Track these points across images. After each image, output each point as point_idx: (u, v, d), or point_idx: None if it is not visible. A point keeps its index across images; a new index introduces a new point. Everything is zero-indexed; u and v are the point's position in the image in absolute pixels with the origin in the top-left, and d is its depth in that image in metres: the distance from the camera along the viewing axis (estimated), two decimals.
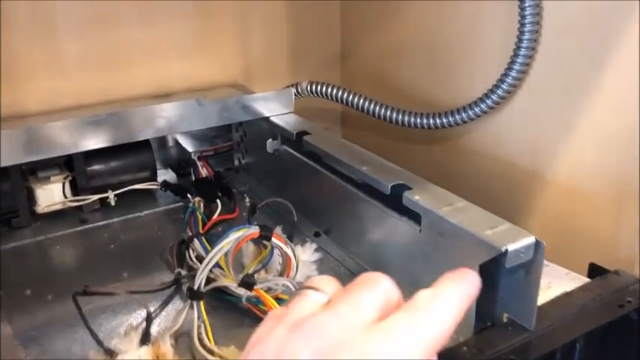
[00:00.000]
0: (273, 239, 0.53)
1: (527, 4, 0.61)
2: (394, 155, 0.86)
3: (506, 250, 0.45)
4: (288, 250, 0.53)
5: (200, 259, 0.61)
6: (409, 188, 0.55)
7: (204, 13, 0.84)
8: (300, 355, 0.26)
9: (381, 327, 0.26)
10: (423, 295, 0.28)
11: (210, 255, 0.52)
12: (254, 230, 0.52)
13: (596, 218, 0.63)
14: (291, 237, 0.63)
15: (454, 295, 0.28)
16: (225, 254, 0.53)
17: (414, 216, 0.54)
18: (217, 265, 0.54)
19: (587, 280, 0.56)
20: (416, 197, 0.53)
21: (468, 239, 0.48)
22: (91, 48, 0.78)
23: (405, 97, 0.83)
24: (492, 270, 0.48)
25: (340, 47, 0.96)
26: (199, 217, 0.69)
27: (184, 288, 0.58)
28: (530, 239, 0.47)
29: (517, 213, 0.71)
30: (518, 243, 0.46)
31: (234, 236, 0.51)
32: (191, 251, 0.62)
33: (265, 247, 0.56)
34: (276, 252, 0.56)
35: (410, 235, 0.55)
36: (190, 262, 0.61)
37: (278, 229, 0.66)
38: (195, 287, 0.53)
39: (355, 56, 0.94)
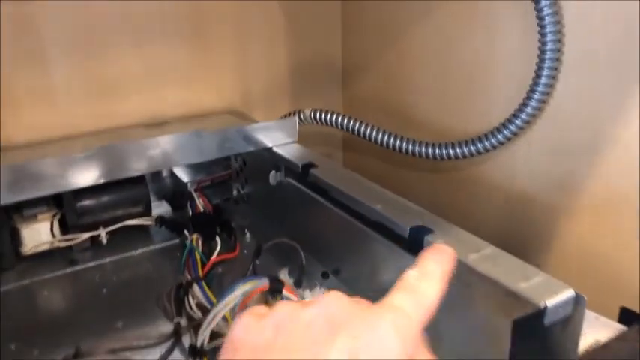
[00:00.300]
0: (284, 292, 0.48)
1: (547, 30, 0.58)
2: (397, 183, 0.82)
3: (545, 306, 0.41)
4: None
5: (201, 307, 0.56)
6: (430, 231, 0.51)
7: (200, 37, 0.79)
8: (315, 323, 0.28)
9: (383, 303, 0.30)
10: (411, 275, 0.32)
11: (215, 311, 0.47)
12: (263, 283, 0.47)
13: (625, 257, 0.59)
14: (299, 281, 0.58)
15: (437, 272, 0.32)
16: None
17: None
18: (222, 316, 0.50)
19: (619, 325, 0.52)
20: (438, 242, 0.49)
21: (499, 292, 0.44)
22: (80, 74, 0.73)
23: (412, 124, 0.80)
24: (528, 326, 0.43)
25: (342, 71, 0.92)
26: (198, 257, 0.64)
27: (184, 340, 0.53)
28: (569, 292, 0.43)
29: (534, 250, 0.67)
30: (557, 297, 0.42)
31: (241, 290, 0.46)
32: (191, 298, 0.57)
33: (274, 296, 0.51)
34: None
35: None
36: (190, 311, 0.56)
37: (285, 274, 0.61)
38: (198, 344, 0.48)
39: (358, 80, 0.90)
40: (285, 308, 0.29)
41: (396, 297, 0.30)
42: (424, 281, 0.31)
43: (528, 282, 0.44)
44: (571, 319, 0.43)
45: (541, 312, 0.41)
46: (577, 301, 0.43)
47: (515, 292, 0.43)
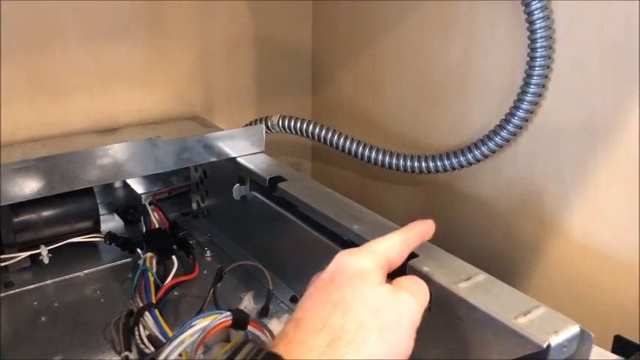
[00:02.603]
0: (250, 328, 0.42)
1: (538, 36, 0.53)
2: (369, 197, 0.77)
3: (549, 346, 0.36)
4: (268, 341, 0.42)
5: (153, 339, 0.49)
6: (414, 255, 0.46)
7: (157, 35, 0.72)
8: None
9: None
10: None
11: (169, 349, 0.40)
12: (226, 319, 0.41)
13: (615, 281, 0.55)
14: (266, 309, 0.52)
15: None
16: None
17: None
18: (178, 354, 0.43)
19: (614, 356, 0.48)
20: (425, 268, 0.44)
21: (495, 328, 0.39)
22: (21, 73, 0.65)
23: (386, 134, 0.75)
24: None
25: (312, 75, 0.87)
26: (151, 279, 0.57)
27: None
28: (574, 329, 0.38)
29: (518, 274, 0.62)
30: (561, 335, 0.37)
31: (200, 325, 0.40)
32: (142, 328, 0.51)
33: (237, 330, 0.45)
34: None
35: None
36: (141, 345, 0.49)
37: (249, 299, 0.55)
38: None
39: (329, 86, 0.85)
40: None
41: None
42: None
43: (527, 316, 0.39)
44: (576, 358, 0.38)
45: (543, 352, 0.36)
46: (582, 339, 0.38)
47: (514, 329, 0.38)
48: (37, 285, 0.61)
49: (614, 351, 0.48)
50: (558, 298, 0.59)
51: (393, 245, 0.39)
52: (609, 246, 0.55)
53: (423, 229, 0.42)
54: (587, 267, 0.57)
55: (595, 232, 0.56)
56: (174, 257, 0.61)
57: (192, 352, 0.41)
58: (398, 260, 0.39)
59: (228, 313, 0.41)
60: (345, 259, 0.37)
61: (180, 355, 0.42)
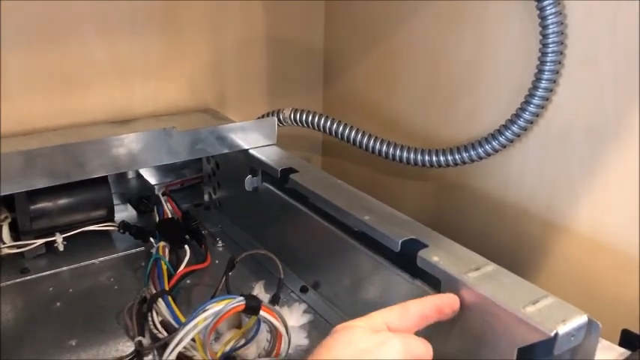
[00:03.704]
0: (262, 313, 0.43)
1: (550, 31, 0.54)
2: (380, 191, 0.77)
3: (557, 335, 0.37)
4: (280, 326, 0.43)
5: (166, 325, 0.50)
6: (424, 245, 0.46)
7: (172, 29, 0.73)
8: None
9: None
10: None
11: (182, 332, 0.41)
12: (238, 303, 0.42)
13: (624, 277, 0.55)
14: (277, 298, 0.53)
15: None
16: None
17: (429, 280, 0.45)
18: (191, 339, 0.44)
19: (621, 349, 0.48)
20: (434, 258, 0.44)
21: (503, 317, 0.39)
22: (37, 64, 0.67)
23: (396, 128, 0.75)
24: (534, 355, 0.39)
25: (323, 69, 0.87)
26: (164, 267, 0.58)
27: None
28: (582, 318, 0.38)
29: (525, 267, 0.63)
30: (569, 324, 0.38)
31: (213, 309, 0.41)
32: (155, 314, 0.52)
33: (249, 316, 0.46)
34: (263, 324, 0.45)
35: None
36: (154, 330, 0.50)
37: (260, 288, 0.56)
38: None
39: (340, 80, 0.85)
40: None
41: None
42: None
43: (536, 305, 0.39)
44: (583, 348, 0.39)
45: (551, 340, 0.37)
46: (590, 328, 0.38)
47: (522, 318, 0.38)
48: (52, 271, 0.62)
49: (621, 344, 0.48)
50: (566, 293, 0.59)
51: (392, 311, 0.39)
52: (618, 242, 0.55)
53: (437, 302, 0.41)
54: (596, 263, 0.57)
55: (604, 229, 0.56)
56: (186, 246, 0.62)
57: (205, 337, 0.42)
58: (398, 323, 0.39)
59: (241, 297, 0.42)
60: (336, 327, 0.38)
61: (193, 339, 0.43)
